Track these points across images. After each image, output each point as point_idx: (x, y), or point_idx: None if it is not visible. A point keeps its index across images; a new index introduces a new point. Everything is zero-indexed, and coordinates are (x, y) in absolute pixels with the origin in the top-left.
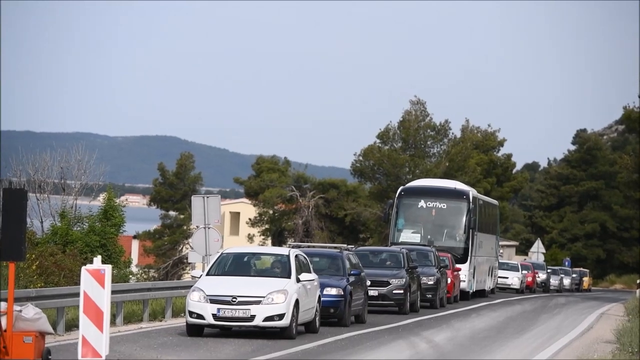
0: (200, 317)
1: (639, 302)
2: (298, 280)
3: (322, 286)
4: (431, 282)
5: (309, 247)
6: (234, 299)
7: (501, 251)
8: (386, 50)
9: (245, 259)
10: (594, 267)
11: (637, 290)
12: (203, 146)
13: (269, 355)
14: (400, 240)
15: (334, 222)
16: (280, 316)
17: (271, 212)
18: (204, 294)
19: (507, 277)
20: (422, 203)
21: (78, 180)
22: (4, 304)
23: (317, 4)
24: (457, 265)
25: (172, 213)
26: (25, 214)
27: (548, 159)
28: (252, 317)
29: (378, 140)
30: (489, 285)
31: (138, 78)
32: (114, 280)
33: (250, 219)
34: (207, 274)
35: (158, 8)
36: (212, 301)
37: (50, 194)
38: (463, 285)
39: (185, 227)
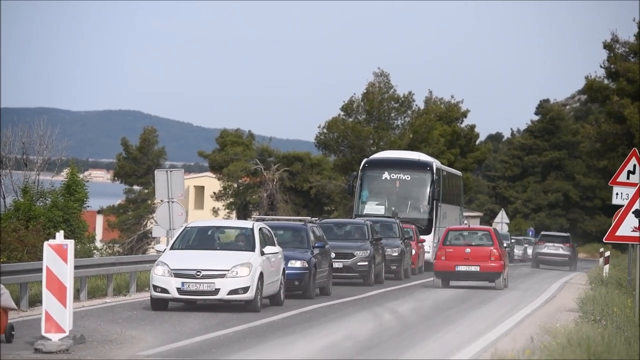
0: (164, 291)
1: (602, 271)
2: (262, 253)
3: (287, 259)
4: (395, 254)
5: (273, 220)
6: (198, 273)
7: (465, 222)
8: (350, 23)
9: (209, 232)
10: None
11: (600, 259)
12: (167, 120)
13: (234, 329)
14: (365, 212)
15: (298, 195)
16: (245, 289)
17: (235, 185)
18: (168, 268)
19: None
20: (386, 175)
21: (40, 156)
22: None
23: None
24: (422, 237)
25: (136, 188)
26: None
27: (511, 129)
28: (217, 291)
29: (342, 113)
30: None
31: (101, 53)
32: (78, 255)
33: (214, 193)
34: (171, 248)
35: None
36: (177, 275)
37: (12, 169)
38: (427, 256)
39: (149, 202)
